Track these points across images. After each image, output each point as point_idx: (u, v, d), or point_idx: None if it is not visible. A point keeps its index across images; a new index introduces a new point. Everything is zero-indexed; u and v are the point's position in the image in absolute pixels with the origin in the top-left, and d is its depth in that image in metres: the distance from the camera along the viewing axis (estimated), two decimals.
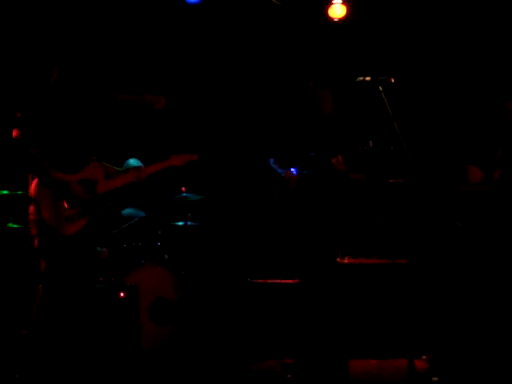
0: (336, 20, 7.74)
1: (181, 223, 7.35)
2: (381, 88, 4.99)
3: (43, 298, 4.79)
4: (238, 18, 7.94)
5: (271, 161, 5.79)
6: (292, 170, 5.68)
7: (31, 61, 7.11)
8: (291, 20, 7.86)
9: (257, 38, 8.05)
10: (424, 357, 5.98)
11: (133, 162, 6.81)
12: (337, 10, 7.74)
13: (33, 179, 4.87)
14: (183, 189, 7.24)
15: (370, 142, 5.23)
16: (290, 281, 6.62)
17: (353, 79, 5.19)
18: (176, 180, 7.19)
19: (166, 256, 6.95)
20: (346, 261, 6.68)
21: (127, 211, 7.06)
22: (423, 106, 7.71)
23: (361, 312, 6.59)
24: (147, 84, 7.35)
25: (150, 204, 7.39)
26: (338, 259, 6.49)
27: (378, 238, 7.09)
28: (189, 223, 7.31)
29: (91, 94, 5.12)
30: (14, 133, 4.81)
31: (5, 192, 6.42)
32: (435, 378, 5.57)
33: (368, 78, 5.07)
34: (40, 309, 4.79)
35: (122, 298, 6.07)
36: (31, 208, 4.85)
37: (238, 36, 8.02)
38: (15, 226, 6.43)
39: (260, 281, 6.89)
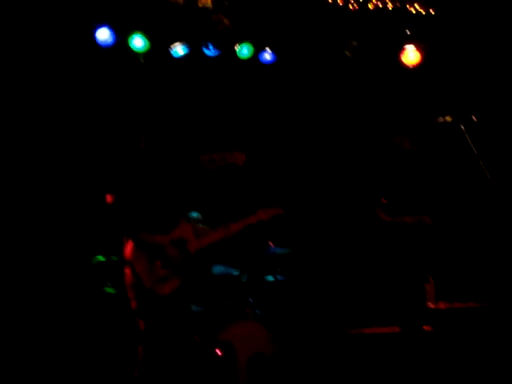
0: (411, 66, 7.78)
1: (271, 278, 7.37)
2: (463, 127, 4.96)
3: (144, 358, 4.88)
4: (314, 70, 8.07)
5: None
6: None
7: (121, 130, 7.40)
8: (367, 69, 7.95)
9: (335, 89, 8.16)
10: None
11: (194, 214, 6.91)
12: (410, 56, 7.79)
13: (127, 243, 5.02)
14: (271, 243, 7.28)
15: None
16: (387, 329, 6.51)
17: (434, 120, 5.18)
18: (263, 234, 7.26)
19: (258, 311, 6.96)
20: (441, 306, 6.52)
21: (218, 268, 7.14)
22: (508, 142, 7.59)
23: (463, 358, 6.39)
24: (226, 142, 7.50)
25: (240, 260, 7.45)
26: (433, 305, 6.36)
27: (472, 281, 6.92)
28: (279, 277, 7.31)
29: (176, 158, 5.29)
30: (108, 199, 5.00)
31: (100, 258, 6.61)
32: None
33: (449, 118, 5.06)
34: (142, 368, 4.88)
35: (219, 354, 6.10)
36: (127, 271, 4.98)
37: (316, 88, 8.14)
38: (112, 290, 6.58)
39: (356, 331, 6.79)
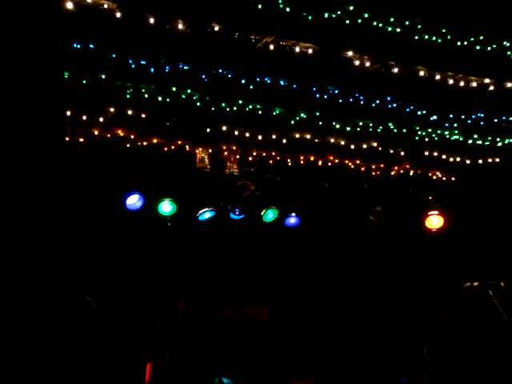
0: (434, 230, 7.85)
1: None
2: (491, 292, 4.93)
3: None
4: (339, 235, 8.17)
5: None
6: None
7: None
8: (391, 234, 8.03)
9: (360, 253, 8.20)
10: None
11: (226, 381, 6.72)
12: (434, 221, 7.87)
13: None
14: None
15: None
16: None
17: (461, 285, 5.17)
18: None
19: None
20: None
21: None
22: None
23: None
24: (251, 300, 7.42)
25: None
26: None
27: None
28: None
29: (205, 315, 5.30)
30: None
31: None
32: None
33: (476, 283, 5.04)
34: None
35: None
36: None
37: (341, 253, 8.19)
38: None
39: None
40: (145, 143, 7.60)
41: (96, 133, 7.32)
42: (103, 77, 6.89)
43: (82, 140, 7.24)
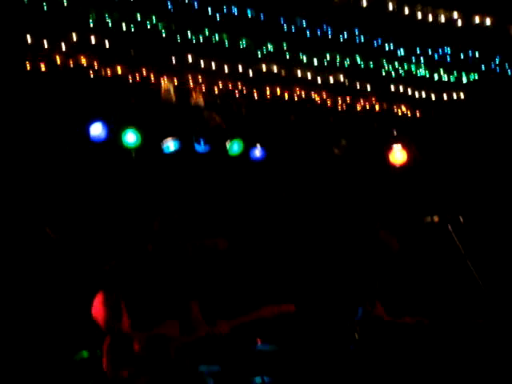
0: (398, 166, 7.93)
1: (258, 379, 7.16)
2: (450, 227, 5.02)
3: None
4: (303, 168, 8.20)
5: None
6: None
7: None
8: (355, 168, 8.09)
9: (323, 186, 8.26)
10: None
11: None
12: (397, 156, 7.95)
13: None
14: (259, 340, 7.14)
15: None
16: None
17: (421, 220, 5.25)
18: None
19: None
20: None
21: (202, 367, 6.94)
22: (495, 242, 7.65)
23: None
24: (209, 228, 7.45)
25: (225, 357, 7.28)
26: None
27: None
28: (266, 378, 7.10)
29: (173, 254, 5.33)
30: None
31: (85, 354, 6.47)
32: None
33: (436, 218, 5.12)
34: None
35: None
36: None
37: (304, 185, 8.24)
38: None
39: None
40: (109, 72, 7.44)
41: (58, 60, 7.14)
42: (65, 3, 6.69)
43: (43, 68, 7.06)
